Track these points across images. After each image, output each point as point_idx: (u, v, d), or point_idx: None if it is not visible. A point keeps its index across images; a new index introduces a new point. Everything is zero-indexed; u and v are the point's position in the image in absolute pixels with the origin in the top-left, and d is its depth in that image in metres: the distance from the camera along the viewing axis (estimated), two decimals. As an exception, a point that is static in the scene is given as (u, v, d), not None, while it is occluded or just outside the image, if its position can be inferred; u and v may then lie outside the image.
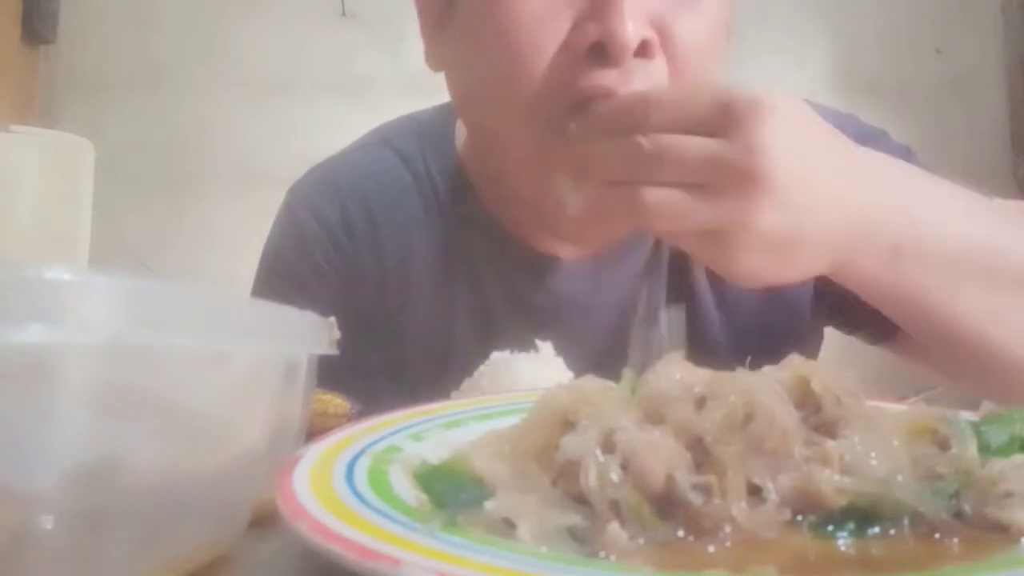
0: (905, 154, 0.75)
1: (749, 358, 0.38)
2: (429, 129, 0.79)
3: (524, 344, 0.67)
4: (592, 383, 0.37)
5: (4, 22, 2.12)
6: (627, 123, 0.54)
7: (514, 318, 0.72)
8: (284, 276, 0.77)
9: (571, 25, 0.59)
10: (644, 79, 0.58)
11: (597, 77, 0.57)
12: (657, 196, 0.52)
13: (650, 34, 0.58)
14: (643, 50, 0.58)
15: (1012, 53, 2.48)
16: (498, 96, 0.63)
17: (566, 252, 0.72)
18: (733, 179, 0.51)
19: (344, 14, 2.40)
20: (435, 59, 0.70)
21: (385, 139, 0.80)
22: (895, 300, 0.61)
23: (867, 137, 0.72)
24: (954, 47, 2.50)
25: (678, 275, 0.73)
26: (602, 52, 0.57)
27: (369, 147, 0.81)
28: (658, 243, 0.72)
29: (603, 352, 0.69)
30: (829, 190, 0.54)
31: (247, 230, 2.26)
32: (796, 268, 0.56)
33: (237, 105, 2.42)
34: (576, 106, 0.58)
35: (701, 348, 0.65)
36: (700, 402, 0.34)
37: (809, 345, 0.78)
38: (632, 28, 0.56)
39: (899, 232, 0.56)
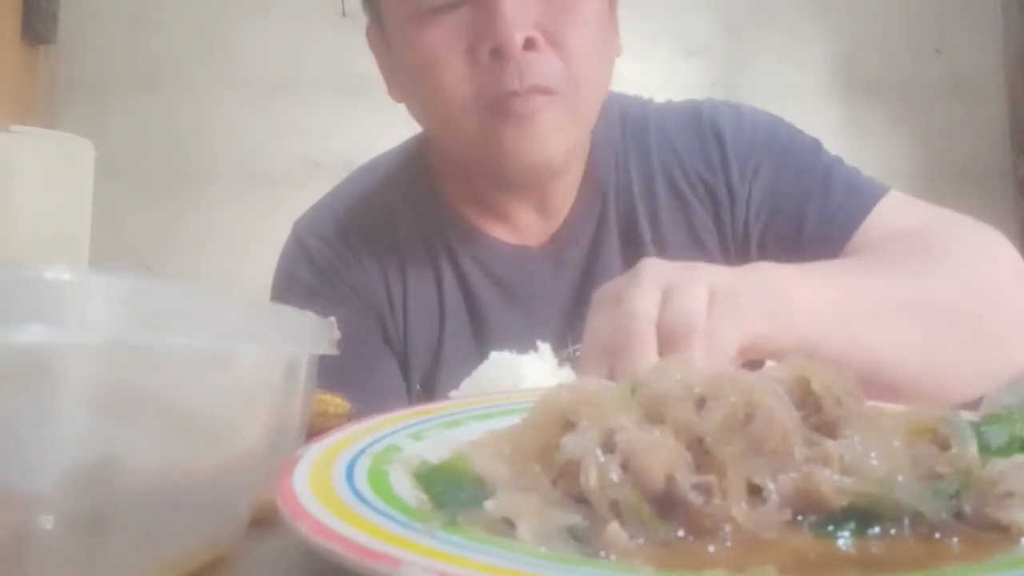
0: (815, 147, 0.85)
1: None
2: (410, 153, 0.92)
3: (510, 325, 0.83)
4: (592, 383, 0.37)
5: (4, 22, 2.11)
6: None
7: (494, 296, 0.85)
8: (297, 291, 0.86)
9: (467, 44, 0.73)
10: (537, 67, 0.72)
11: (500, 79, 0.72)
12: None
13: (534, 34, 0.72)
14: (529, 45, 0.72)
15: (1012, 53, 2.48)
16: (436, 111, 0.78)
17: (530, 241, 0.86)
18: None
19: (344, 14, 2.40)
20: (395, 93, 0.84)
21: (372, 166, 0.95)
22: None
23: (742, 127, 0.85)
24: (954, 47, 2.50)
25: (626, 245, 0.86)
26: (499, 54, 0.72)
27: (356, 176, 0.95)
28: (603, 222, 0.85)
29: (571, 315, 0.83)
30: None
31: (247, 230, 2.27)
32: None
33: (237, 105, 2.41)
34: (495, 104, 0.73)
35: None
36: (700, 402, 0.34)
37: None
38: (514, 30, 0.71)
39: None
